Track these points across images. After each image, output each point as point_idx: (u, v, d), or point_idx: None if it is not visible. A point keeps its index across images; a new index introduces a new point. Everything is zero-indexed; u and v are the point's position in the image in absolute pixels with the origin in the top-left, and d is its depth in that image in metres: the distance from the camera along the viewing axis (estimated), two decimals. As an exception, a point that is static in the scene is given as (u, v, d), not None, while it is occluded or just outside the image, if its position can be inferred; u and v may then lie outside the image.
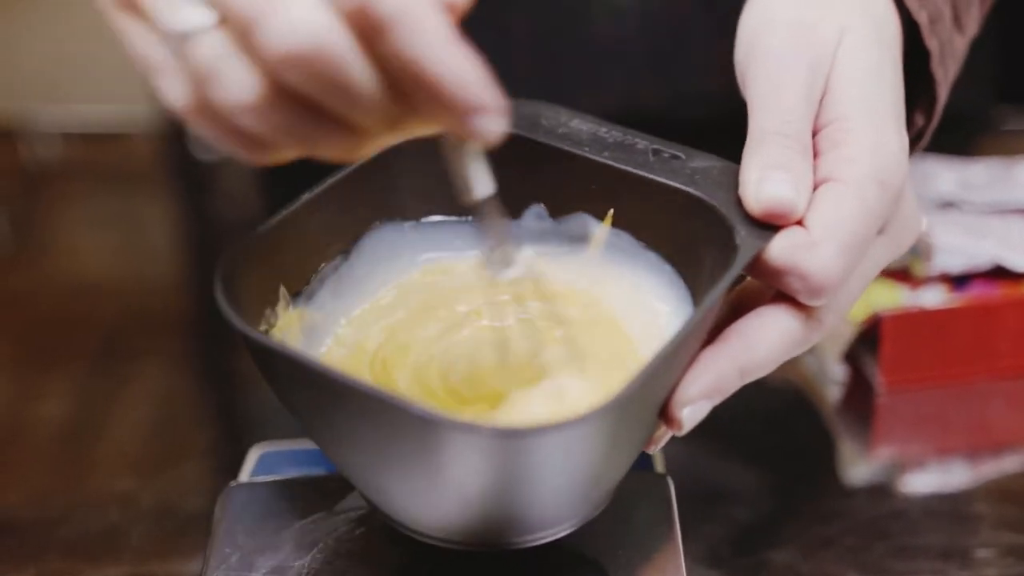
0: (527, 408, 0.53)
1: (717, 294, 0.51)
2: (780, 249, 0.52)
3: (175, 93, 0.45)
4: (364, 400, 0.48)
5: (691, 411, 0.52)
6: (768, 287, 0.54)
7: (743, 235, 0.53)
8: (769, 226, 0.53)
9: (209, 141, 0.45)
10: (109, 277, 0.96)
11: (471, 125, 0.43)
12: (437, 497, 0.51)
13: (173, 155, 1.14)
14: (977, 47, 0.67)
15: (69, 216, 1.06)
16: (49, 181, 1.10)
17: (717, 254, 0.53)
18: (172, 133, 1.14)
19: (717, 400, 0.52)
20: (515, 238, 0.53)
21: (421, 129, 0.45)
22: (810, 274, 0.51)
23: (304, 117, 0.43)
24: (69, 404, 0.78)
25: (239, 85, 0.43)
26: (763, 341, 0.52)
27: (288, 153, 0.45)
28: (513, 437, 0.47)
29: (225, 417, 0.81)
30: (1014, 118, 1.02)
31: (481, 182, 0.48)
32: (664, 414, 0.52)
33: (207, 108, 0.44)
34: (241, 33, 0.42)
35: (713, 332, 0.53)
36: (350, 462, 0.54)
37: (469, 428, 0.47)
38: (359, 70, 0.42)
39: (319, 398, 0.50)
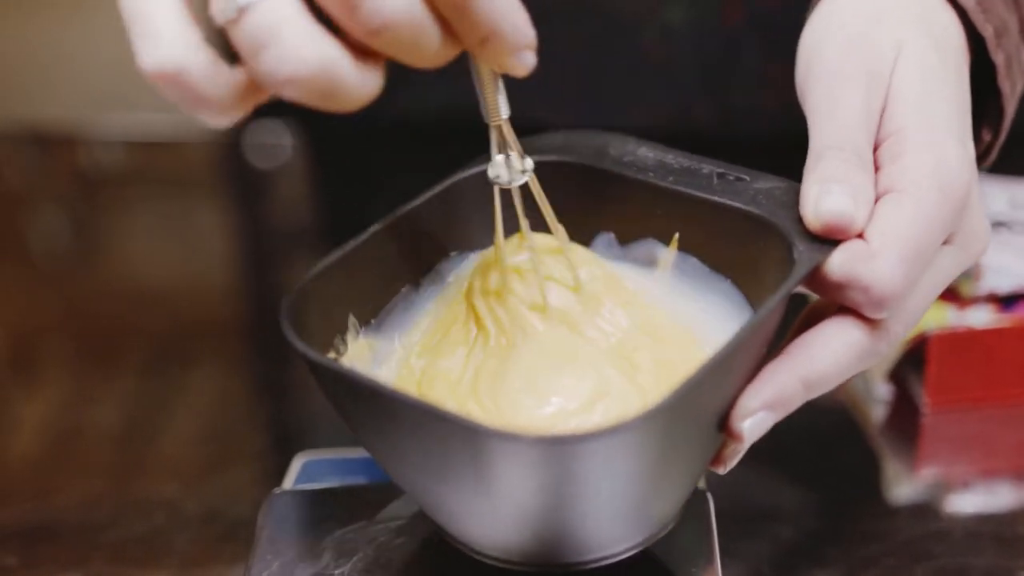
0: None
1: (773, 304, 0.51)
2: (839, 262, 0.52)
3: (157, 54, 0.45)
4: (409, 411, 0.49)
5: (752, 423, 0.51)
6: (833, 303, 0.54)
7: (801, 250, 0.53)
8: (830, 241, 0.53)
9: (178, 104, 0.46)
10: (165, 283, 0.97)
11: (516, 60, 0.48)
12: (490, 511, 0.51)
13: (229, 163, 1.16)
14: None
15: (127, 222, 1.07)
16: (108, 187, 1.11)
17: (778, 271, 0.53)
18: (229, 141, 1.16)
19: (780, 413, 0.52)
20: (525, 152, 0.55)
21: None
22: (871, 286, 0.51)
23: (358, 71, 0.46)
24: (121, 409, 0.79)
25: (305, 48, 0.44)
26: (826, 353, 0.52)
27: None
28: (557, 444, 0.47)
29: (271, 425, 0.81)
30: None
31: (504, 104, 0.53)
32: (725, 427, 0.52)
33: (186, 78, 0.45)
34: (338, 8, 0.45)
35: (780, 349, 0.53)
36: (410, 480, 0.54)
37: (512, 437, 0.47)
38: (433, 34, 0.46)
39: (370, 413, 0.51)
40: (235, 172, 1.16)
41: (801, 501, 0.70)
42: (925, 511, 0.71)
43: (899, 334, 0.54)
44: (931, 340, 0.73)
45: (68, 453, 0.77)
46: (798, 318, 0.55)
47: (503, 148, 0.54)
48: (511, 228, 0.57)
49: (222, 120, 0.47)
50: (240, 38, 0.45)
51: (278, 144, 1.10)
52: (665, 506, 0.54)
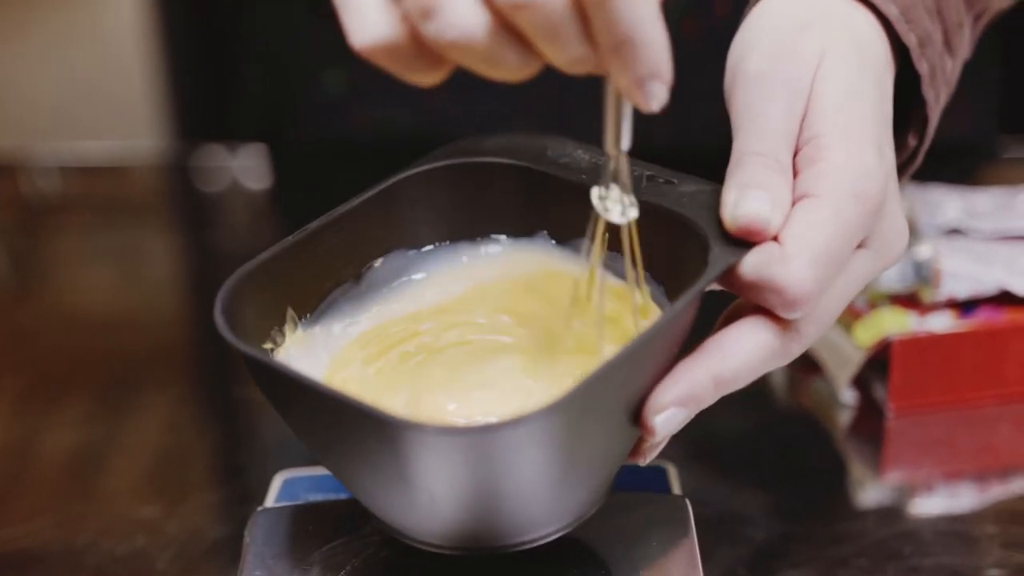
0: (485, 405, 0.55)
1: (683, 303, 0.52)
2: (753, 263, 0.53)
3: (369, 31, 0.48)
4: (326, 402, 0.50)
5: (664, 418, 0.52)
6: (750, 302, 0.55)
7: (716, 251, 0.54)
8: (746, 243, 0.54)
9: (391, 70, 0.49)
10: (113, 310, 0.96)
11: (646, 88, 0.49)
12: (408, 499, 0.52)
13: (175, 187, 1.15)
14: (980, 77, 0.68)
15: (70, 249, 1.07)
16: (50, 215, 1.10)
17: (696, 271, 0.54)
18: (174, 165, 1.16)
19: (692, 409, 0.53)
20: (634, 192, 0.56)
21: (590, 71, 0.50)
22: (783, 288, 0.52)
23: (511, 49, 0.48)
24: (82, 435, 0.79)
25: (464, 19, 0.47)
26: (738, 351, 0.53)
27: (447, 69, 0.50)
28: (463, 435, 0.48)
29: (243, 446, 0.81)
30: (1017, 147, 1.04)
31: (627, 136, 0.53)
32: (639, 421, 0.53)
33: (403, 45, 0.48)
34: None
35: (695, 347, 0.54)
36: (337, 470, 0.56)
37: (419, 428, 0.48)
38: (572, 24, 0.47)
39: (295, 403, 0.53)
40: (180, 196, 1.16)
41: (773, 505, 0.71)
42: (893, 512, 0.72)
43: (811, 335, 0.55)
44: (894, 345, 0.74)
45: (36, 480, 0.76)
46: (720, 318, 0.57)
47: (615, 178, 0.54)
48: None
49: (429, 80, 0.50)
50: (410, 6, 0.47)
51: (224, 167, 1.10)
52: (584, 492, 0.55)
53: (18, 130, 1.48)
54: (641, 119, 0.99)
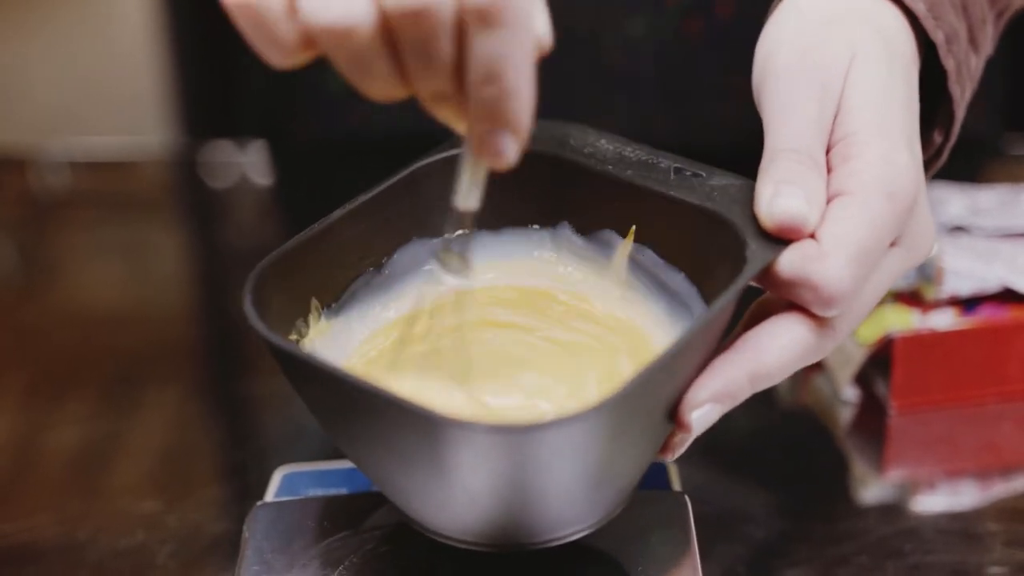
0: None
1: (723, 302, 0.52)
2: (790, 261, 0.53)
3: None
4: (367, 399, 0.50)
5: (700, 415, 0.53)
6: (782, 300, 0.55)
7: (753, 248, 0.54)
8: (781, 240, 0.54)
9: (250, 39, 0.49)
10: (120, 306, 0.96)
11: (499, 140, 0.48)
12: (446, 495, 0.52)
13: (183, 183, 1.15)
14: (986, 74, 0.68)
15: (77, 245, 1.07)
16: (59, 210, 1.10)
17: (731, 268, 0.54)
18: (182, 160, 1.16)
19: (727, 405, 0.53)
20: (475, 256, 0.56)
21: (449, 119, 0.50)
22: (820, 285, 0.52)
23: (383, 61, 0.48)
24: (85, 431, 0.79)
25: (350, 5, 0.46)
26: (773, 348, 0.54)
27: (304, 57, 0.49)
28: (511, 433, 0.48)
29: (244, 442, 0.81)
30: (1022, 144, 1.03)
31: (474, 196, 0.52)
32: (675, 417, 0.53)
33: (261, 14, 0.48)
34: None
35: (730, 343, 0.55)
36: (369, 463, 0.56)
37: (468, 426, 0.48)
38: (447, 43, 0.47)
39: (330, 398, 0.53)
40: (188, 192, 1.16)
41: (774, 503, 0.71)
42: (894, 510, 0.72)
43: (844, 332, 0.56)
44: (896, 343, 0.74)
45: (36, 476, 0.76)
46: (747, 311, 0.57)
47: (461, 230, 0.55)
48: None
49: (284, 61, 0.49)
50: None
51: (232, 163, 1.10)
52: (616, 490, 0.55)
53: (26, 126, 1.49)
54: (643, 117, 0.99)
